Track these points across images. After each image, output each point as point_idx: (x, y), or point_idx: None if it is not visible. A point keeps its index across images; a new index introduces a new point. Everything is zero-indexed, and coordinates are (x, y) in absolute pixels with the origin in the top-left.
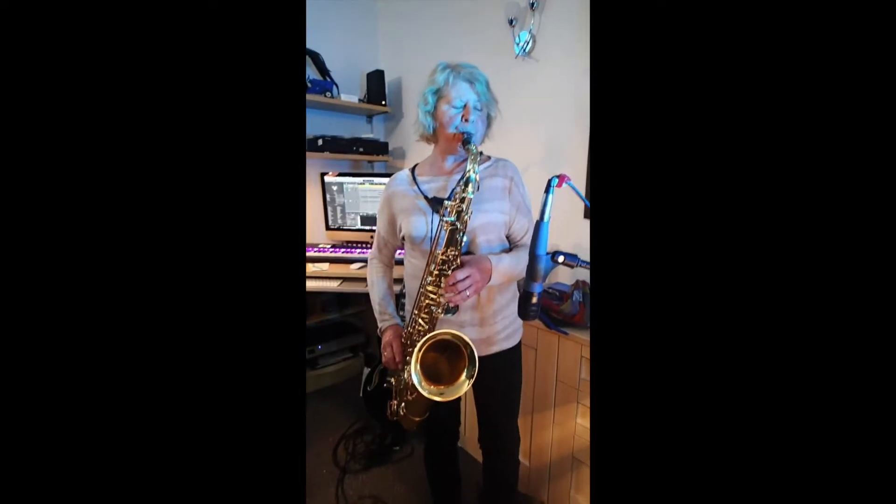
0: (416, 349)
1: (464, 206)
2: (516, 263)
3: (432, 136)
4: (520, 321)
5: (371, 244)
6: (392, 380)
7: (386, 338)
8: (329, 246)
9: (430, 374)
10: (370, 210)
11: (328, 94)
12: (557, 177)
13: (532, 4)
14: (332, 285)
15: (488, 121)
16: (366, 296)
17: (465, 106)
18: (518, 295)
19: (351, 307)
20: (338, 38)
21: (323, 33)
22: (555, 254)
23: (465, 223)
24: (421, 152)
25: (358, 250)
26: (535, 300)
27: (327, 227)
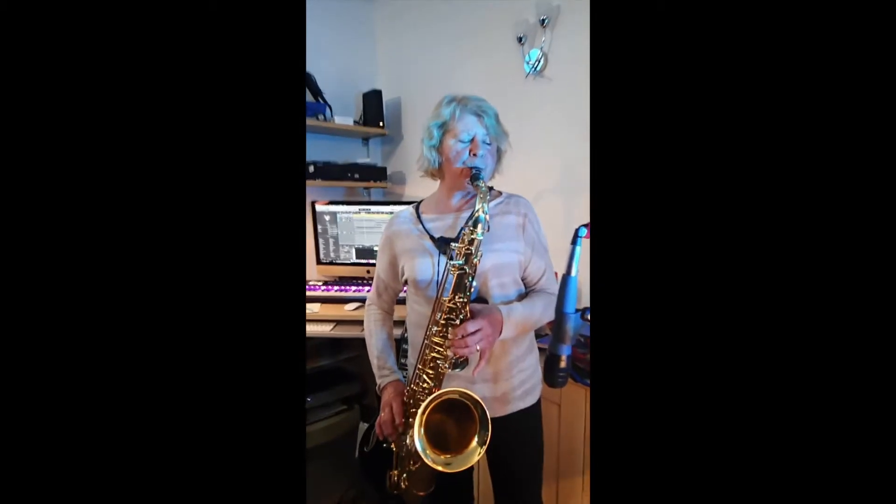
0: (420, 411)
1: (472, 249)
2: (530, 313)
3: (438, 172)
4: (539, 375)
5: (367, 280)
6: (392, 445)
7: (386, 396)
8: (321, 284)
9: (436, 440)
10: (367, 242)
11: (320, 116)
12: (585, 226)
13: (542, 21)
14: (325, 329)
15: (498, 155)
16: (362, 340)
17: (472, 140)
18: (536, 344)
19: (345, 351)
20: (331, 56)
21: (314, 51)
22: (585, 311)
23: (474, 267)
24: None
25: (353, 288)
26: (563, 364)
27: (318, 262)
